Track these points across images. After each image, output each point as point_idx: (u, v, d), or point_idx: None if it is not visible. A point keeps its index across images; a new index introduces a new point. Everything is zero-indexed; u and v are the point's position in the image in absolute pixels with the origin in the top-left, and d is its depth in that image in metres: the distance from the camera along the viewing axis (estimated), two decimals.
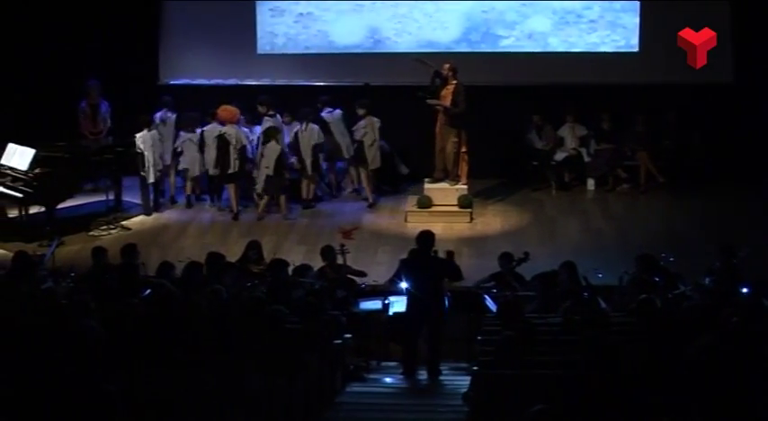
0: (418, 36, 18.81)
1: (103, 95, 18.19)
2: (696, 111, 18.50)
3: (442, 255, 12.61)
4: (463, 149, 17.18)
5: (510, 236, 16.34)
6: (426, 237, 12.08)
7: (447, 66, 16.95)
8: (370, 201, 18.02)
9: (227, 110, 17.36)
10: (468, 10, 19.14)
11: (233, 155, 17.19)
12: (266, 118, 17.43)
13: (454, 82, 16.88)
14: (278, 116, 17.68)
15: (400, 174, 18.89)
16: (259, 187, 17.31)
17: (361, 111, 17.73)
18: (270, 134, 17.08)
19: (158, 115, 17.88)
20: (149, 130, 17.16)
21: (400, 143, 18.87)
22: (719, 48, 17.98)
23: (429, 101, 16.89)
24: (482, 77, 18.23)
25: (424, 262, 12.02)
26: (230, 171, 17.26)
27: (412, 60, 17.23)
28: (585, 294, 11.67)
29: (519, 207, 17.86)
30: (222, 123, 17.30)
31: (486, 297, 12.21)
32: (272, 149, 17.04)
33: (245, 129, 17.60)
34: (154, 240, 16.32)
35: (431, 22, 19.14)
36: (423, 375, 11.87)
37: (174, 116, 18.03)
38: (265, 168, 17.10)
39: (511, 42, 19.19)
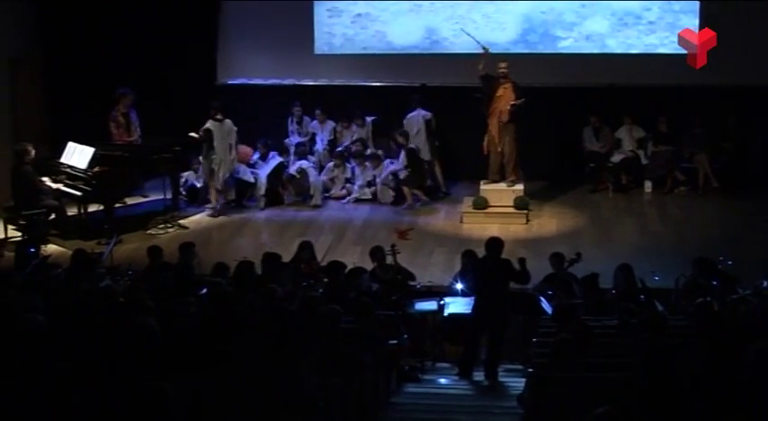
0: (476, 37, 18.75)
1: (134, 105, 17.78)
2: (755, 113, 18.33)
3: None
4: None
5: (566, 237, 16.24)
6: (495, 244, 12.16)
7: (504, 64, 16.94)
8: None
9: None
10: (526, 11, 19.10)
11: None
12: (211, 120, 17.31)
13: (511, 80, 16.89)
14: (227, 121, 17.43)
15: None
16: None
17: (412, 105, 18.25)
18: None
19: None
20: None
21: (455, 143, 18.90)
22: None
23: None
24: (540, 78, 18.22)
25: (494, 267, 12.06)
26: None
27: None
28: (642, 297, 11.61)
29: (575, 208, 17.77)
30: None
31: (542, 299, 12.17)
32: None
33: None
34: (210, 239, 16.43)
35: (489, 22, 19.09)
36: (477, 376, 11.86)
37: None
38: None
39: (569, 43, 19.12)
